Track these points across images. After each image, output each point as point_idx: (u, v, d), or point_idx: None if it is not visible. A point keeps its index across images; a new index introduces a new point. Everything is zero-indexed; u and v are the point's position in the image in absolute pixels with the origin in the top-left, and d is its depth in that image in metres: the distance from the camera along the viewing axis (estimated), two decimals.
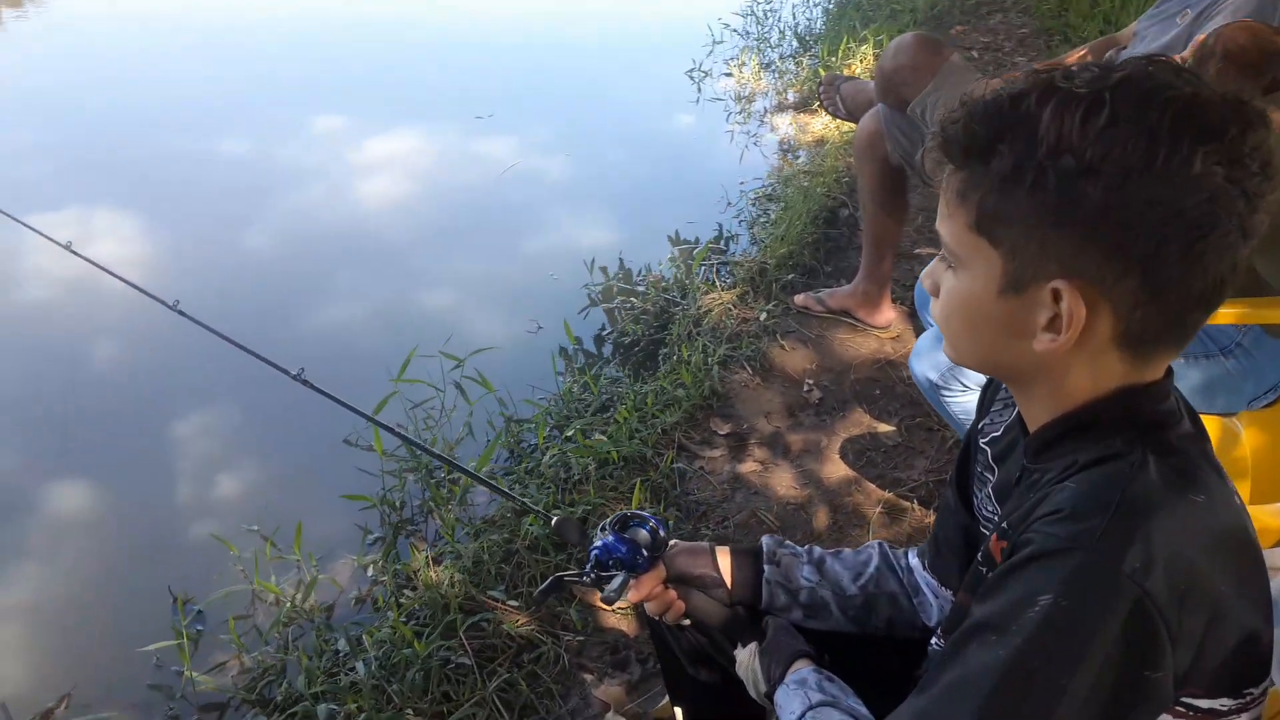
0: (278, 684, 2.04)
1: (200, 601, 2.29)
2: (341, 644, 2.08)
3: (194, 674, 2.06)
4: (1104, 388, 0.84)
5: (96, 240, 3.96)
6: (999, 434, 1.08)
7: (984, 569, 0.93)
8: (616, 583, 1.24)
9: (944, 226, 0.85)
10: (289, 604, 2.21)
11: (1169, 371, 0.87)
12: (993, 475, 1.07)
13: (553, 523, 1.34)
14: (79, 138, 5.21)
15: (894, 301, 3.18)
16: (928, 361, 2.02)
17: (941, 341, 0.95)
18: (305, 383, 1.56)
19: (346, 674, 1.99)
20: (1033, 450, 0.91)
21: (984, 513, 1.10)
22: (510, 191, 4.54)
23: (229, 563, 2.34)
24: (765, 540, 1.32)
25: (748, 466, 2.60)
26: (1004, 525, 0.92)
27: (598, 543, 1.27)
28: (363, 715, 1.85)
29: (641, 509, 1.35)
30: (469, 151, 5.07)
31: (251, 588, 2.29)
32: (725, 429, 2.72)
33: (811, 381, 2.93)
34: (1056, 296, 0.79)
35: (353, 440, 2.80)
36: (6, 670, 2.19)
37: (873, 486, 2.52)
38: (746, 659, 1.22)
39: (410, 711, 1.88)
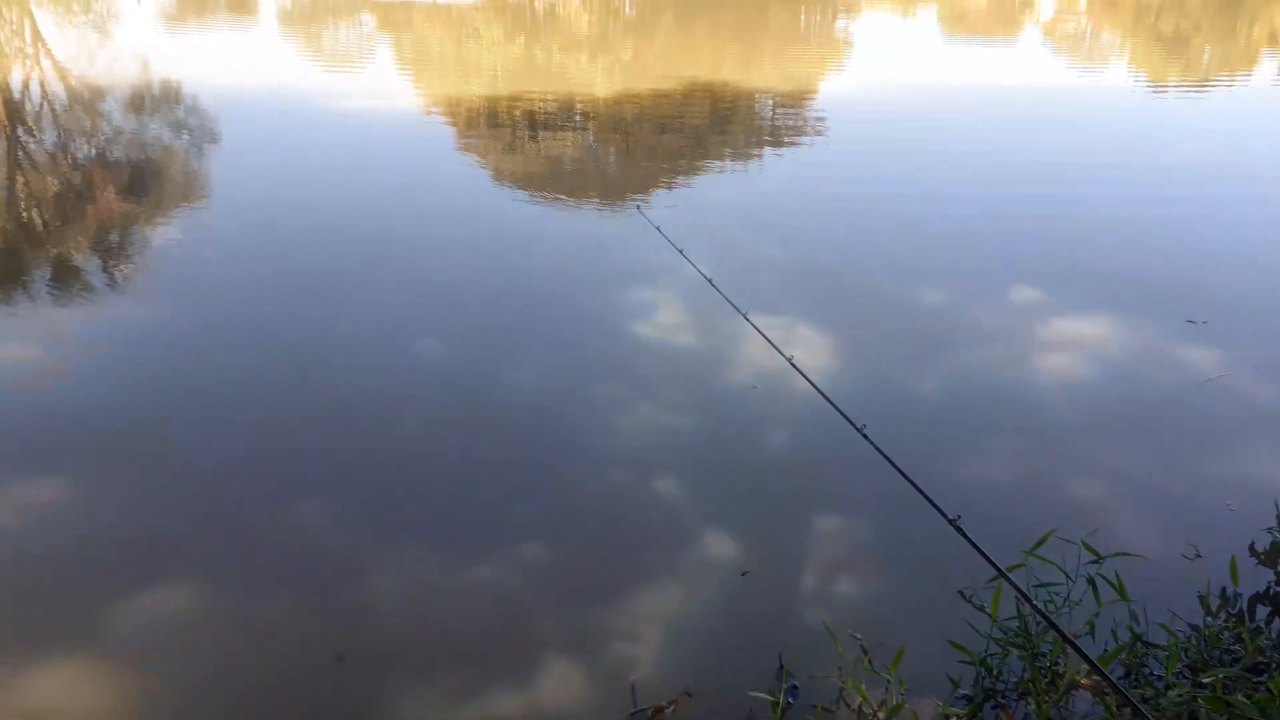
0: None
1: (799, 676, 2.57)
2: None
3: None
4: None
5: (800, 345, 4.65)
6: None
7: None
8: None
9: None
10: (872, 714, 2.37)
11: None
12: None
13: None
14: (806, 255, 6.16)
15: None
16: None
17: None
18: (959, 530, 1.71)
19: None
20: None
21: None
22: (1206, 403, 4.21)
23: (831, 654, 2.58)
24: None
25: None
26: None
27: None
28: None
29: None
30: (1167, 353, 4.82)
31: (840, 685, 2.50)
32: None
33: None
34: None
35: (967, 594, 2.88)
36: (643, 658, 2.72)
37: None
38: None
39: None
